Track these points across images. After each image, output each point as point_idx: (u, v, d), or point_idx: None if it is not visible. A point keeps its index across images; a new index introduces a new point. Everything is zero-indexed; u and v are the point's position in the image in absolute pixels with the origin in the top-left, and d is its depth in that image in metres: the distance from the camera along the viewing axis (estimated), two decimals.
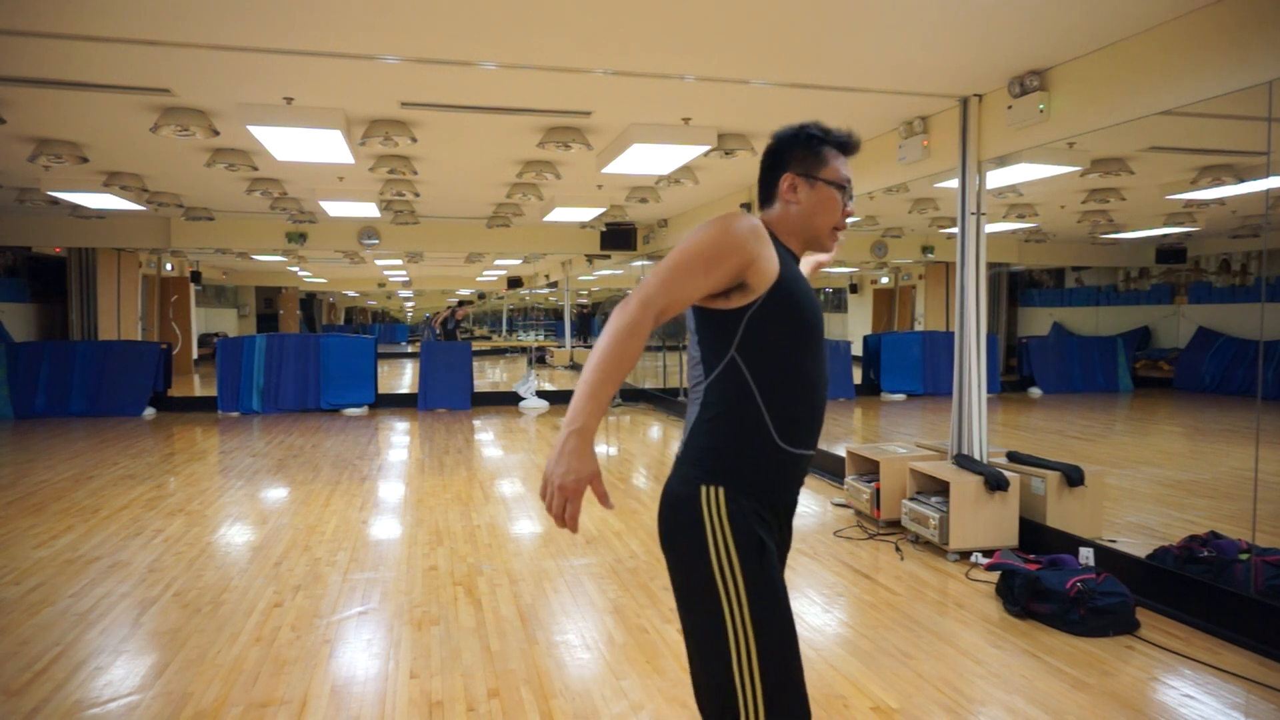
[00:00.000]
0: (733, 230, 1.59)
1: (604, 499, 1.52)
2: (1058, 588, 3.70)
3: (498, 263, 17.17)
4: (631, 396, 12.92)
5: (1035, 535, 4.64)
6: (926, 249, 11.87)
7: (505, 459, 8.01)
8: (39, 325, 12.85)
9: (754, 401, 1.65)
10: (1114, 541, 4.50)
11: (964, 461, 4.92)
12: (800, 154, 1.76)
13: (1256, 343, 11.10)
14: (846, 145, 1.80)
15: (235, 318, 22.61)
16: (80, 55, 4.27)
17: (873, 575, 4.42)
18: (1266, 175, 6.14)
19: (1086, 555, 4.22)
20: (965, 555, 4.63)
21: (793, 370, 1.67)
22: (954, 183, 5.11)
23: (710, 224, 1.60)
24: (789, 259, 1.72)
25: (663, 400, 12.07)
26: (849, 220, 1.81)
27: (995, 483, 4.62)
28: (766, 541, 1.65)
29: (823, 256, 2.17)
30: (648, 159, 6.14)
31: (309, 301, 29.18)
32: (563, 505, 1.48)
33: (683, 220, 10.48)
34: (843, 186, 1.77)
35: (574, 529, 1.52)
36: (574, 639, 3.57)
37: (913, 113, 5.39)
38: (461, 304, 23.95)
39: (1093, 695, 3.04)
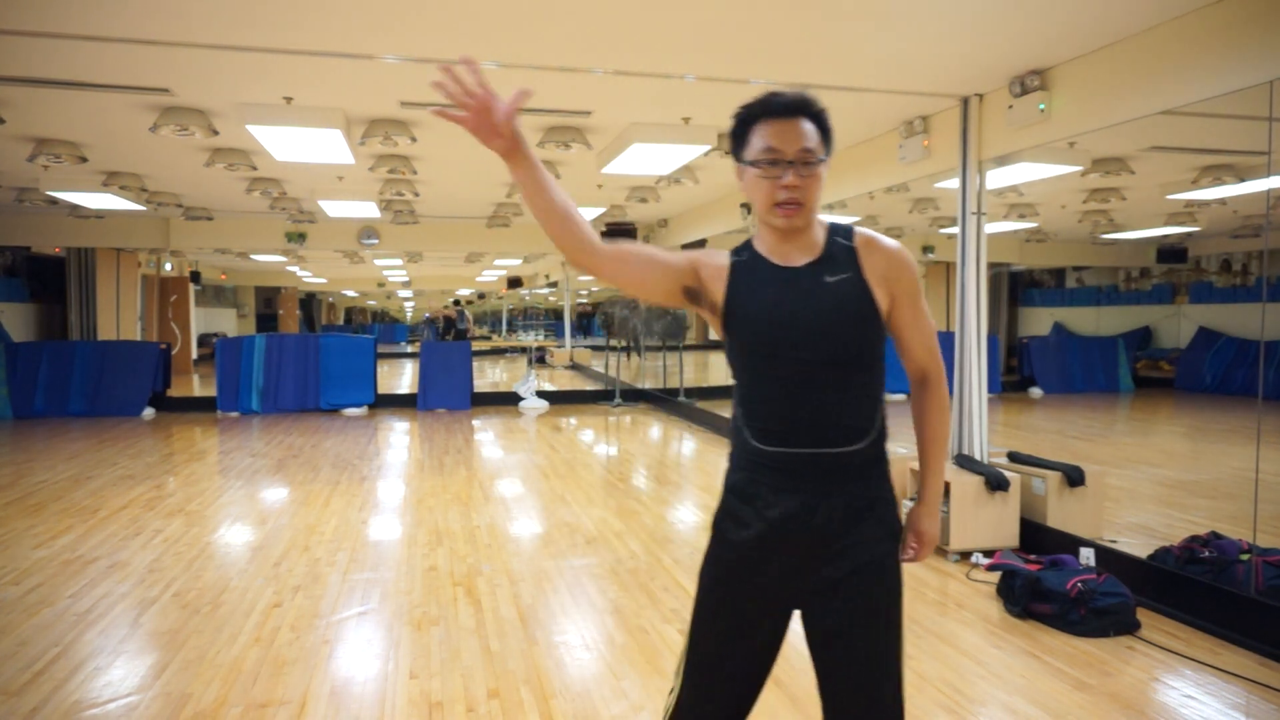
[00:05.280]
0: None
1: None
2: (1058, 588, 3.70)
3: (498, 263, 17.15)
4: (631, 397, 12.91)
5: (1036, 535, 4.63)
6: (926, 249, 11.86)
7: (505, 459, 8.00)
8: (38, 325, 12.84)
9: (736, 407, 1.74)
10: (1115, 542, 4.49)
11: (964, 461, 4.91)
12: (736, 143, 1.68)
13: (1257, 343, 11.09)
14: (770, 109, 1.63)
15: (235, 318, 22.60)
16: (80, 55, 4.27)
17: None
18: (1267, 175, 6.13)
19: (1087, 555, 4.21)
20: (966, 555, 4.62)
21: (758, 381, 1.68)
22: (954, 182, 5.10)
23: None
24: (754, 270, 1.69)
25: (662, 400, 12.06)
26: (787, 190, 1.60)
27: (996, 483, 4.61)
28: (725, 534, 1.71)
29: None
30: (648, 159, 6.14)
31: (308, 301, 29.19)
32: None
33: (683, 220, 10.48)
34: (757, 161, 1.61)
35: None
36: (574, 639, 3.56)
37: (913, 112, 5.39)
38: (457, 304, 24.00)
39: (1093, 696, 3.04)
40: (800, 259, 1.67)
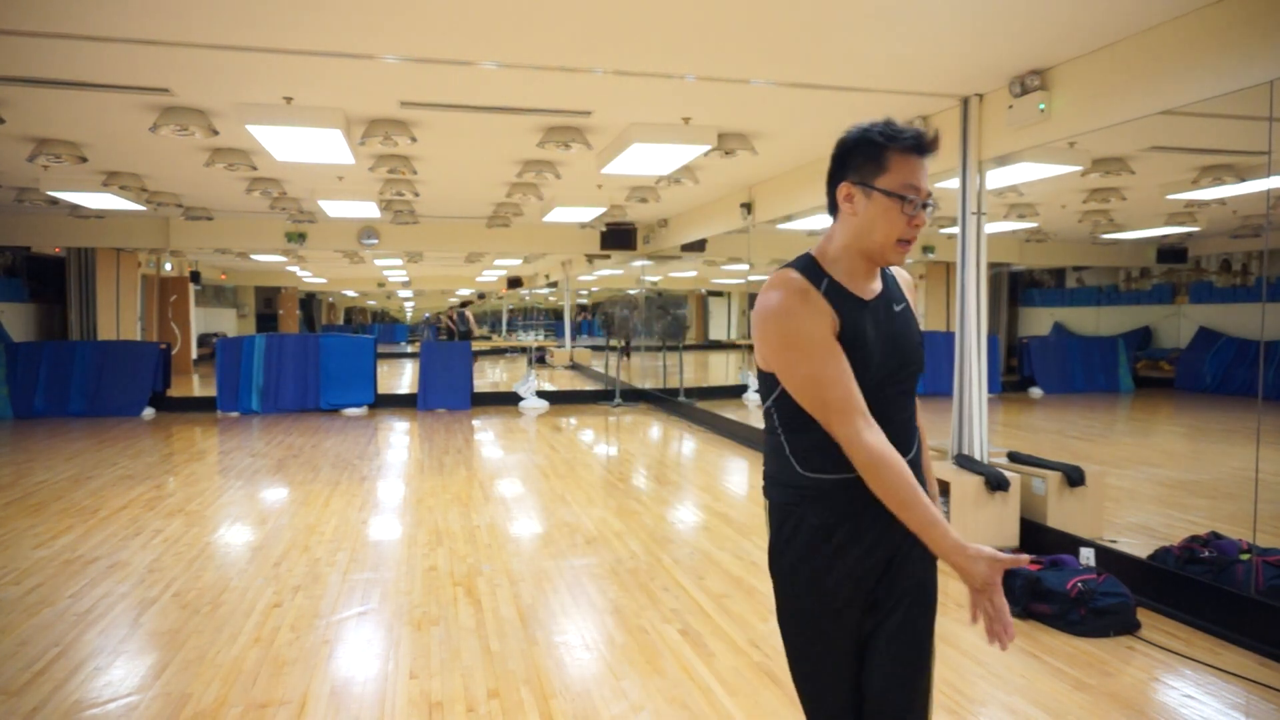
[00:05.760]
0: (780, 316, 1.63)
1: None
2: (1059, 588, 3.70)
3: (498, 263, 17.15)
4: (631, 397, 12.91)
5: (1036, 535, 4.63)
6: (927, 249, 11.85)
7: (505, 459, 8.00)
8: (38, 325, 12.83)
9: (795, 435, 1.71)
10: (1115, 542, 4.50)
11: (964, 462, 4.91)
12: (860, 160, 1.63)
13: (1257, 343, 11.09)
14: (916, 145, 1.61)
15: (235, 318, 22.59)
16: (80, 55, 4.26)
17: None
18: (1267, 175, 6.14)
19: (1087, 555, 4.21)
20: None
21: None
22: (954, 183, 5.10)
23: (764, 319, 1.64)
24: (843, 302, 1.66)
25: (662, 400, 12.06)
26: (917, 229, 1.64)
27: (996, 483, 4.61)
28: (809, 564, 1.69)
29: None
30: (648, 159, 6.13)
31: (308, 301, 29.17)
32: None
33: (683, 220, 10.48)
34: (904, 196, 1.60)
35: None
36: (574, 639, 3.56)
37: (913, 112, 5.38)
38: (464, 304, 24.02)
39: (1093, 696, 3.04)
40: (872, 290, 1.72)
